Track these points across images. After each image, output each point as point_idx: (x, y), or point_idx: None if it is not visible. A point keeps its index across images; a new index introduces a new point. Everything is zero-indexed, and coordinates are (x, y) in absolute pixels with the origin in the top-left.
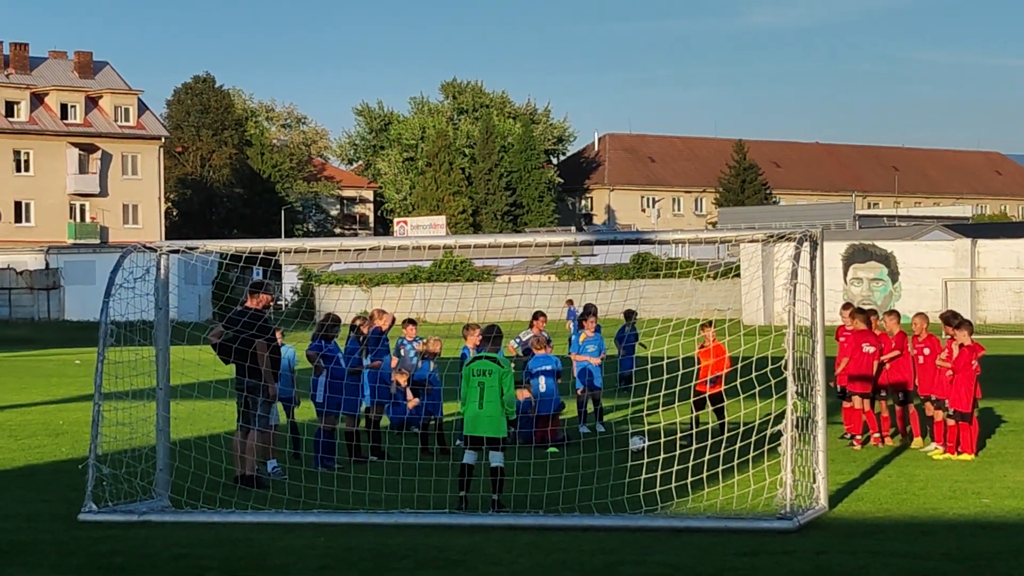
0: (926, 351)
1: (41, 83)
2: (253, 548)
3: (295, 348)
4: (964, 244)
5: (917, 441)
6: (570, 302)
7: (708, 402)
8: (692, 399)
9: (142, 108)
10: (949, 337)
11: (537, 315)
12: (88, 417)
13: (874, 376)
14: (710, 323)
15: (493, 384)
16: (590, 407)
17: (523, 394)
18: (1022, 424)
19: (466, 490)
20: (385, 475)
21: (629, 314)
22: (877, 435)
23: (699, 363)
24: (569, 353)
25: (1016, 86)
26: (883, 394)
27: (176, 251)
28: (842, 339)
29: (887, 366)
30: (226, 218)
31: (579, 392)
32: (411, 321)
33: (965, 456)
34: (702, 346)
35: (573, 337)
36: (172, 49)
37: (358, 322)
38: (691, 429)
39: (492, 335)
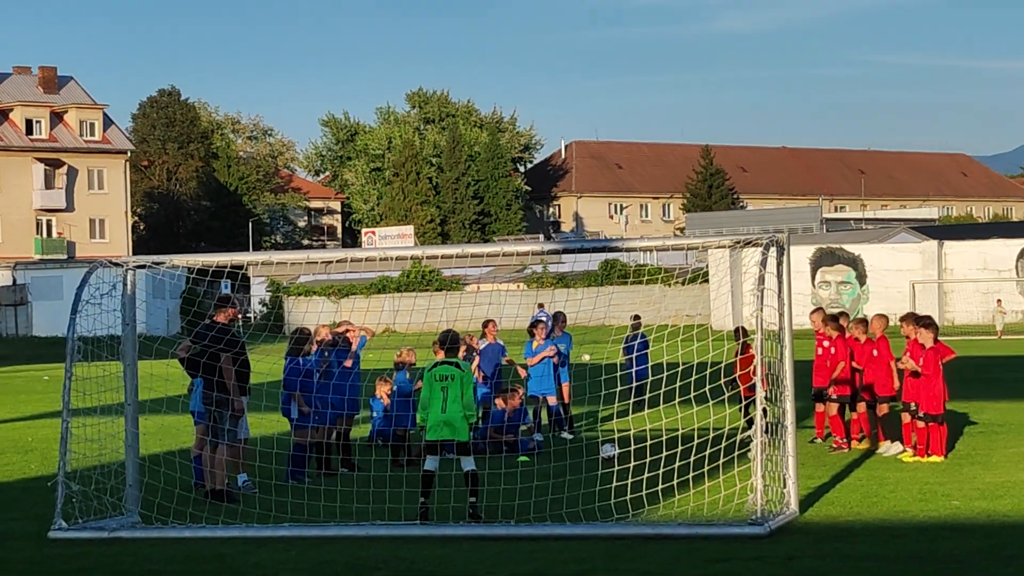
0: (874, 352)
1: (5, 99)
2: (224, 563)
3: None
4: (931, 246)
5: (884, 444)
6: (540, 306)
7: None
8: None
9: (107, 122)
10: (911, 338)
11: (487, 323)
12: (57, 434)
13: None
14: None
15: (455, 388)
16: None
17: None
18: (991, 426)
19: (426, 498)
20: (356, 487)
21: (636, 319)
22: (842, 440)
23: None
24: (525, 358)
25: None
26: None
27: (143, 266)
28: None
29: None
30: (193, 231)
31: (538, 399)
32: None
33: (935, 458)
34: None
35: (527, 344)
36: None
37: (323, 330)
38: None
39: (450, 340)
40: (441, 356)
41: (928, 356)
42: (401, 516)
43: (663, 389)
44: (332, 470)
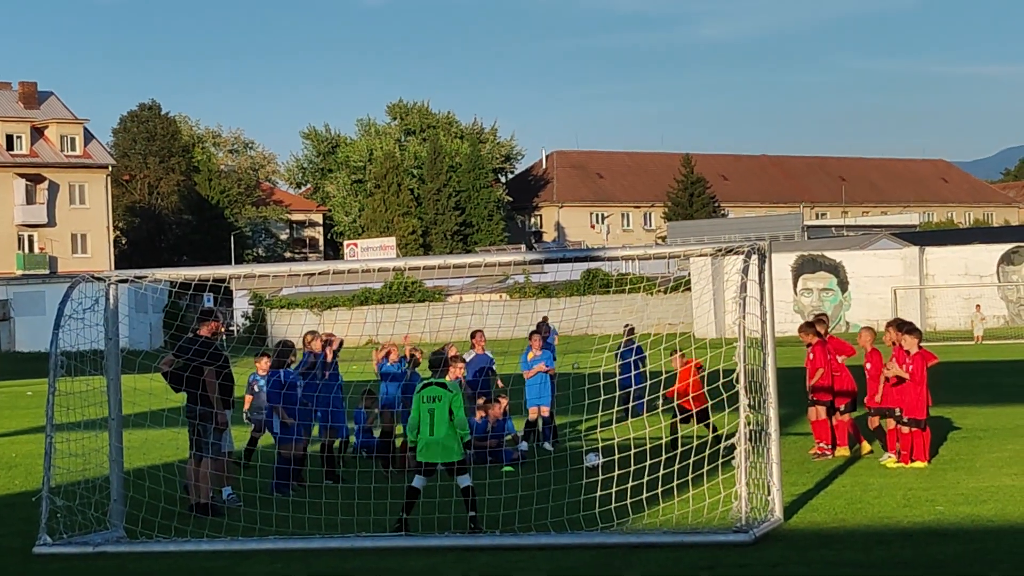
0: (867, 366)
1: None
2: None
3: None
4: (912, 252)
5: (844, 450)
6: (545, 319)
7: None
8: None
9: (88, 137)
10: (896, 344)
11: (475, 333)
12: (41, 449)
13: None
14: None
15: (443, 409)
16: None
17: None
18: (974, 431)
19: (406, 513)
20: (340, 499)
21: (630, 329)
22: (826, 445)
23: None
24: (521, 370)
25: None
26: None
27: (125, 281)
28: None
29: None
30: (175, 245)
31: (531, 411)
32: (265, 355)
33: (918, 464)
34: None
35: (522, 356)
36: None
37: (308, 338)
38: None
39: (440, 360)
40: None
41: (915, 362)
42: (386, 528)
43: (646, 397)
44: (334, 478)
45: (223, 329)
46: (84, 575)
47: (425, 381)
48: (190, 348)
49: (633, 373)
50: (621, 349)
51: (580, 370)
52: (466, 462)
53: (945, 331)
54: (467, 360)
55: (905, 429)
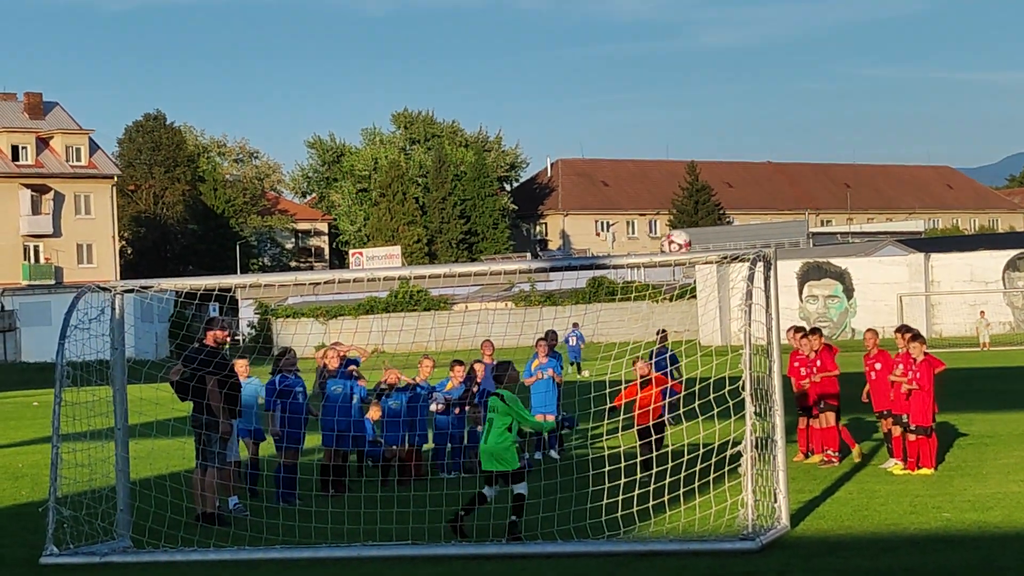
0: (877, 366)
1: None
2: None
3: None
4: (917, 259)
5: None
6: (575, 325)
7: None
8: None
9: (93, 147)
10: (903, 351)
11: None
12: (47, 459)
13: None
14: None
15: (499, 420)
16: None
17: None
18: (980, 437)
19: (466, 513)
20: (347, 508)
21: (663, 335)
22: (834, 453)
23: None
24: (523, 379)
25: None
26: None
27: (131, 290)
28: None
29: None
30: (181, 254)
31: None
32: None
33: (925, 471)
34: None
35: (527, 363)
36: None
37: (318, 354)
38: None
39: (505, 373)
40: (423, 374)
41: (921, 369)
42: (392, 536)
43: (651, 405)
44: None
45: (229, 338)
46: None
47: (491, 392)
48: (196, 357)
49: (669, 383)
50: (655, 356)
51: (586, 378)
52: (522, 471)
53: (951, 337)
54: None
55: (912, 436)
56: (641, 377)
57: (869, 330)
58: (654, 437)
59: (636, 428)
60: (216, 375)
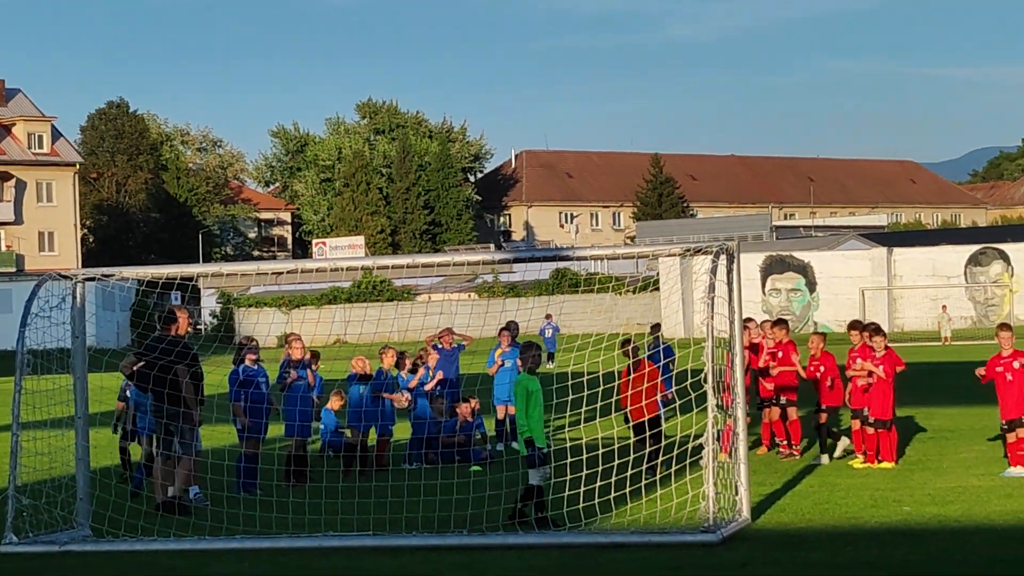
0: (822, 368)
1: None
2: None
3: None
4: (880, 253)
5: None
6: (548, 316)
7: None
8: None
9: (56, 135)
10: (858, 346)
11: (443, 332)
12: (6, 448)
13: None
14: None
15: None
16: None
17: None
18: (941, 432)
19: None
20: (308, 499)
21: (656, 327)
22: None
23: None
24: (487, 368)
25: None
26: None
27: (92, 279)
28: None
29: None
30: (143, 243)
31: (498, 409)
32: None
33: (886, 464)
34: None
35: (490, 353)
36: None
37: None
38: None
39: (528, 354)
40: (386, 363)
41: (883, 361)
42: (354, 527)
43: (615, 397)
44: (301, 480)
45: (190, 327)
46: (50, 574)
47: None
48: (157, 347)
49: (662, 377)
50: (649, 351)
51: (550, 369)
52: (532, 458)
53: (912, 332)
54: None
55: (871, 430)
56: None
57: (816, 334)
58: (648, 432)
59: (632, 423)
60: (178, 364)
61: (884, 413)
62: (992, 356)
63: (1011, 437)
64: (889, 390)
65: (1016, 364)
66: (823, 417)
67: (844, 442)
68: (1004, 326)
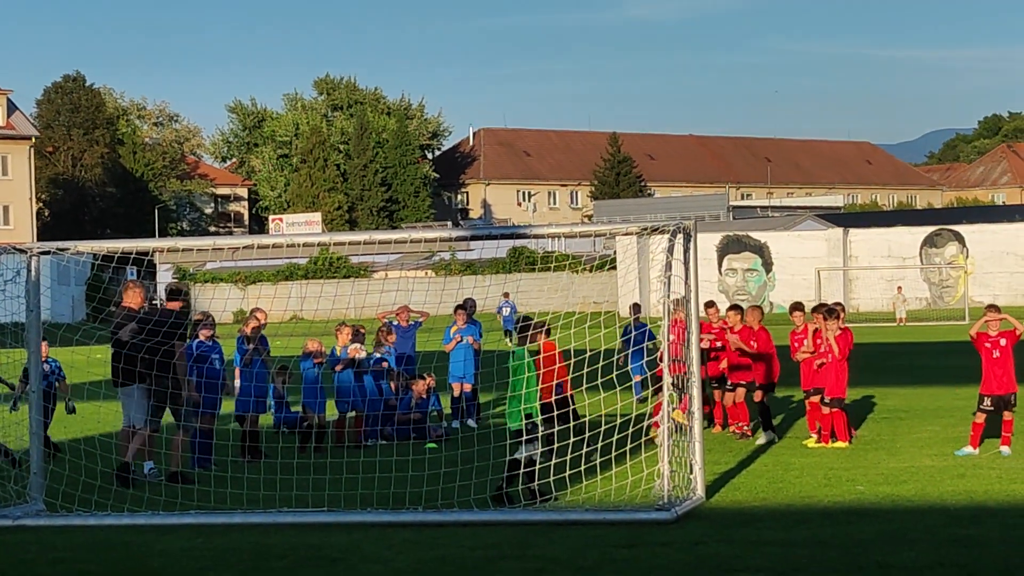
0: (754, 343)
1: None
2: (131, 551)
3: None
4: (836, 234)
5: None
6: (506, 295)
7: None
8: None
9: (11, 108)
10: (812, 325)
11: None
12: None
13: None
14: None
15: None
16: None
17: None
18: (895, 411)
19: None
20: (263, 475)
21: (636, 308)
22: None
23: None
24: (443, 345)
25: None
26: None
27: (47, 252)
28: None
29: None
30: (99, 218)
31: (454, 387)
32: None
33: (840, 444)
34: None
35: (446, 330)
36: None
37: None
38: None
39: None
40: (341, 341)
41: (838, 341)
42: (308, 503)
43: (570, 375)
44: (256, 456)
45: (145, 302)
46: (3, 548)
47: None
48: (151, 319)
49: (645, 358)
50: (633, 332)
51: (509, 347)
52: (520, 433)
53: (868, 312)
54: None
55: (825, 409)
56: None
57: (751, 307)
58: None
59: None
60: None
61: (838, 392)
62: (979, 333)
63: (1007, 415)
64: (844, 370)
65: (1003, 342)
66: (758, 395)
67: (766, 436)
68: (992, 307)
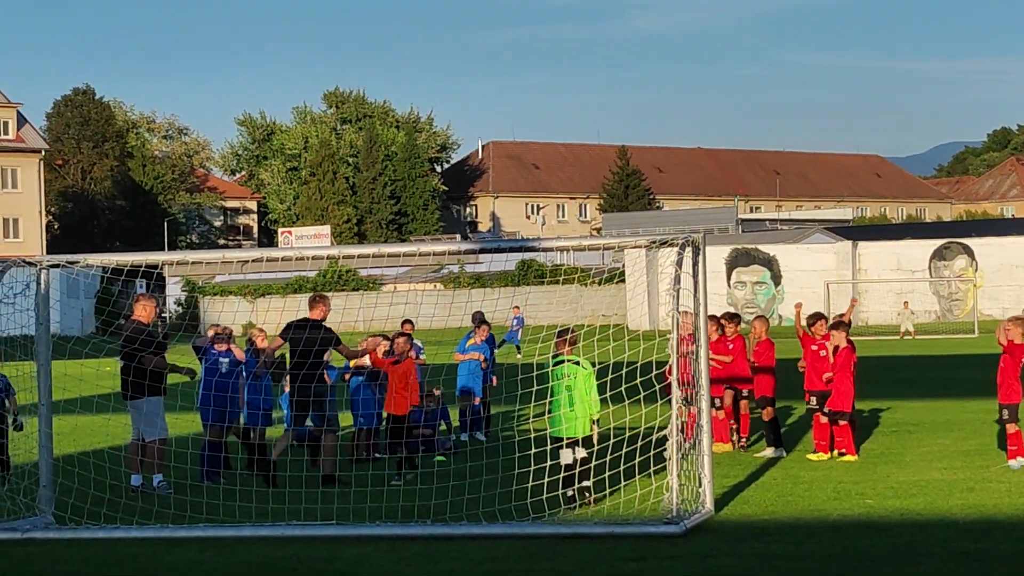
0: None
1: None
2: (139, 564)
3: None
4: (845, 246)
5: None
6: (516, 308)
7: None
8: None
9: (21, 121)
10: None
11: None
12: None
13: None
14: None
15: (579, 386)
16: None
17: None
18: (904, 424)
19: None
20: (271, 488)
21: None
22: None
23: None
24: (452, 353)
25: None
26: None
27: (56, 265)
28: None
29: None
30: (108, 230)
31: (461, 399)
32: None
33: (848, 458)
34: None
35: (461, 341)
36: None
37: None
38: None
39: (568, 337)
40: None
41: (840, 355)
42: (316, 516)
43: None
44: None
45: (157, 315)
46: (11, 561)
47: (561, 358)
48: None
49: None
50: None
51: (519, 360)
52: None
53: (876, 325)
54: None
55: (823, 419)
56: None
57: (757, 318)
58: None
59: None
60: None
61: (843, 405)
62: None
63: (1010, 428)
64: (849, 382)
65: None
66: (768, 412)
67: (770, 452)
68: (1017, 319)
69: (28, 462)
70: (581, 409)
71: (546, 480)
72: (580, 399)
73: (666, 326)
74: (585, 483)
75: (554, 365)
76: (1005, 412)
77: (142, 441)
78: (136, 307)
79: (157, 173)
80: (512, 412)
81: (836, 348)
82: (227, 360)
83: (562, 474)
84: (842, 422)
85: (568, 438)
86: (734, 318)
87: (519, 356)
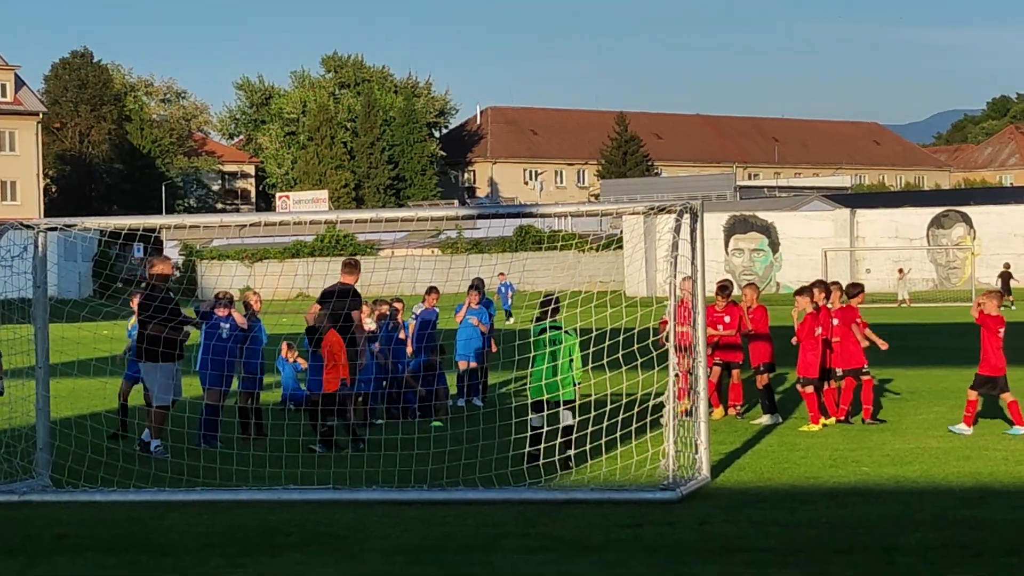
0: (726, 319)
1: None
2: (136, 527)
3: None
4: (843, 214)
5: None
6: (502, 275)
7: None
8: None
9: (19, 84)
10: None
11: (431, 290)
12: None
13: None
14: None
15: (565, 351)
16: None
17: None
18: (901, 392)
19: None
20: (268, 451)
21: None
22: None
23: None
24: (454, 314)
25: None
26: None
27: (54, 228)
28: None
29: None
30: (106, 194)
31: (459, 364)
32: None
33: (810, 426)
34: None
35: (457, 307)
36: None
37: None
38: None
39: (552, 305)
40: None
41: (840, 316)
42: (314, 480)
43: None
44: (250, 433)
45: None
46: (9, 523)
47: (544, 325)
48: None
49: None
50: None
51: (512, 326)
52: (574, 401)
53: (874, 293)
54: (416, 313)
55: (836, 383)
56: None
57: (747, 286)
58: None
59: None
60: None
61: (854, 363)
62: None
63: (1006, 397)
64: (807, 348)
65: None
66: (763, 379)
67: (766, 419)
68: (990, 292)
69: (25, 425)
70: (564, 372)
71: (543, 445)
72: (563, 367)
73: (663, 293)
74: (569, 452)
75: (539, 333)
76: (987, 385)
77: (148, 405)
78: (156, 264)
79: (155, 137)
80: (509, 379)
81: (801, 314)
82: (227, 325)
83: (559, 439)
84: (807, 389)
85: (565, 401)
86: (724, 289)
87: (508, 321)
